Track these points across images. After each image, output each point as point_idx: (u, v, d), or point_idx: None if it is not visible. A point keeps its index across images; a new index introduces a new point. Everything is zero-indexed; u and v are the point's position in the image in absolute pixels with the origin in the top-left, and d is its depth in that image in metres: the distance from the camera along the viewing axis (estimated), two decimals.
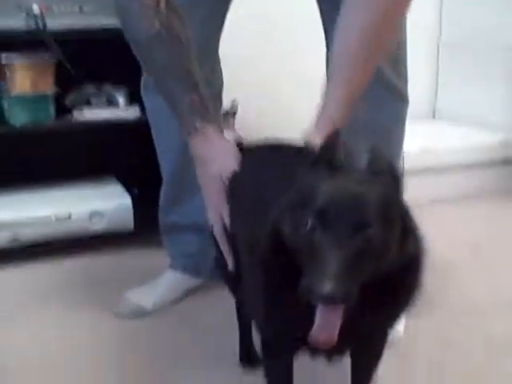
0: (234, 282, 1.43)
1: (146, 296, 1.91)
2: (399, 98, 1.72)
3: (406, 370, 1.63)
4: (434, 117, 3.57)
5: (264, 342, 1.23)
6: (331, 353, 1.16)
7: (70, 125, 2.34)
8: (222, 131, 1.46)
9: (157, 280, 1.97)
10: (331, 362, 1.17)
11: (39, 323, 1.85)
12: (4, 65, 2.16)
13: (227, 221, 1.37)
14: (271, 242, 1.03)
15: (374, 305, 0.99)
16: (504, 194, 3.03)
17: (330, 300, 0.85)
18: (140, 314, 1.88)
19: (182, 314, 1.89)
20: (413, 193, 2.80)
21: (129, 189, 2.43)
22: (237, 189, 1.37)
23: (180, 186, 1.90)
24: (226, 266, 1.40)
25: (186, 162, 1.56)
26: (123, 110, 2.36)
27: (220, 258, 1.43)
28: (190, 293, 1.98)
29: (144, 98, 1.85)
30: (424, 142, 2.93)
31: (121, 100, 2.37)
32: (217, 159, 1.39)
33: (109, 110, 2.38)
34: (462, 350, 1.72)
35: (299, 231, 0.94)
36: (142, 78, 1.81)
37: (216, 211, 1.39)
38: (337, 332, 0.92)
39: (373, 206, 0.93)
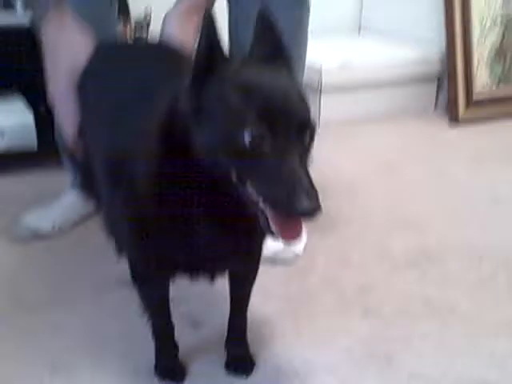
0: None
1: (44, 218, 1.84)
2: (298, 3, 1.66)
3: (302, 286, 1.65)
4: (358, 33, 3.50)
5: (135, 272, 1.20)
6: (212, 275, 1.16)
7: None
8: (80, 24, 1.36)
9: (57, 200, 1.90)
10: (211, 282, 1.18)
11: None
12: None
13: (75, 121, 1.31)
14: (162, 154, 0.96)
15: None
16: (424, 112, 3.03)
17: (313, 214, 0.84)
18: (38, 236, 1.81)
19: (82, 235, 1.84)
20: (333, 110, 2.79)
21: (34, 106, 2.29)
22: (89, 88, 1.30)
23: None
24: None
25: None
26: (21, 16, 2.15)
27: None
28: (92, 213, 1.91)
29: None
30: (345, 58, 2.86)
31: (19, 3, 2.16)
32: (70, 50, 1.31)
33: (4, 14, 2.18)
34: (359, 265, 1.75)
35: (231, 144, 0.87)
36: None
37: (64, 109, 1.33)
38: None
39: (306, 100, 0.91)
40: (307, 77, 2.69)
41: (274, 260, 1.71)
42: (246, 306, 1.33)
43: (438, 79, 3.06)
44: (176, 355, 1.33)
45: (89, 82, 1.31)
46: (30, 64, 2.20)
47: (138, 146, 1.03)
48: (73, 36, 1.32)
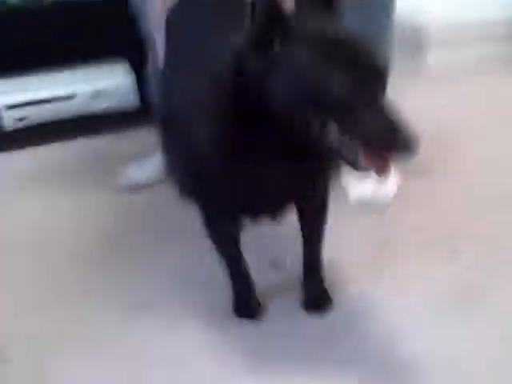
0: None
1: (142, 170, 1.93)
2: None
3: (389, 231, 1.64)
4: None
5: (204, 216, 1.25)
6: (274, 214, 1.19)
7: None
8: None
9: (154, 155, 1.98)
10: (277, 223, 1.22)
11: (44, 199, 1.92)
12: None
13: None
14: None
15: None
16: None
17: (413, 148, 0.90)
18: (137, 187, 1.91)
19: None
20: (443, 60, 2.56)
21: (136, 69, 2.38)
22: (173, 26, 1.34)
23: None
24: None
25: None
26: None
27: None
28: None
29: None
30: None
31: None
32: None
33: None
34: (449, 212, 1.71)
35: (323, 96, 0.92)
36: None
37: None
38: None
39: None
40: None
41: (366, 203, 1.71)
42: (319, 245, 1.35)
43: None
44: (252, 294, 1.38)
45: (174, 20, 1.35)
46: (132, 30, 2.31)
47: (204, 98, 1.05)
48: None
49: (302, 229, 1.33)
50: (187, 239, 1.63)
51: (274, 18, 0.93)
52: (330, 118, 0.93)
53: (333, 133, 0.94)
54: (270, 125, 0.97)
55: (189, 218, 1.68)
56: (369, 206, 1.71)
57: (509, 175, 1.86)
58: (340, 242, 1.56)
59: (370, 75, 0.92)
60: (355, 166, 0.96)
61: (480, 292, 1.38)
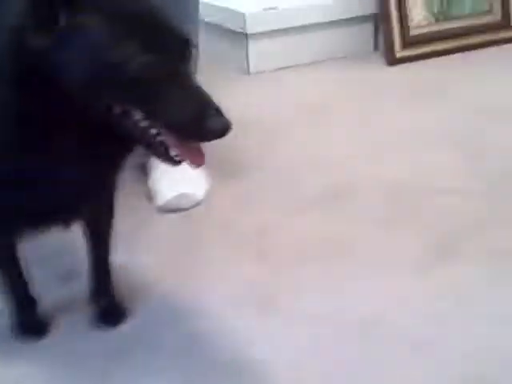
0: None
1: None
2: None
3: (193, 234, 1.55)
4: None
5: None
6: (65, 221, 1.07)
7: None
8: None
9: None
10: (65, 230, 1.10)
11: None
12: None
13: None
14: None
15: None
16: (361, 55, 2.88)
17: (227, 131, 0.83)
18: None
19: None
20: (262, 57, 2.61)
21: None
22: None
23: None
24: None
25: None
26: None
27: None
28: None
29: None
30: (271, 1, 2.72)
31: None
32: None
33: None
34: (260, 210, 1.64)
35: (118, 74, 0.81)
36: None
37: None
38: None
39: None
40: (231, 22, 2.61)
41: (171, 208, 1.61)
42: (106, 252, 1.23)
43: (375, 20, 2.92)
44: (34, 310, 1.23)
45: None
46: None
47: None
48: None
49: (85, 234, 1.21)
50: None
51: None
52: (129, 100, 0.84)
53: (135, 118, 0.85)
54: (64, 112, 0.85)
55: None
56: (176, 209, 1.62)
57: (326, 173, 1.82)
58: (141, 245, 1.46)
59: (172, 50, 0.84)
60: (163, 156, 0.88)
61: (282, 293, 1.32)
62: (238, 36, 2.64)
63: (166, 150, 0.87)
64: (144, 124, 0.85)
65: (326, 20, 2.77)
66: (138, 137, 0.87)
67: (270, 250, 1.47)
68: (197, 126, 0.82)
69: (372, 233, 1.51)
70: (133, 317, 1.27)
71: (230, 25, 2.64)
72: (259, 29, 2.62)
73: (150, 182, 1.68)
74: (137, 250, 1.45)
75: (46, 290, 1.27)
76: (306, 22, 2.72)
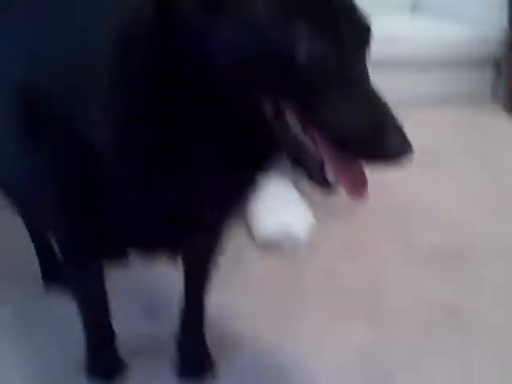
0: None
1: None
2: None
3: (294, 277, 1.37)
4: (410, 11, 3.15)
5: (64, 248, 0.93)
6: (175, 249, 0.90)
7: None
8: None
9: None
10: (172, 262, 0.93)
11: None
12: None
13: None
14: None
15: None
16: (478, 100, 2.66)
17: (405, 156, 0.63)
18: None
19: None
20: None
21: None
22: None
23: None
24: None
25: None
26: None
27: None
28: None
29: None
30: (390, 32, 2.52)
31: None
32: None
33: None
34: (369, 258, 1.44)
35: (279, 60, 0.62)
36: None
37: None
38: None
39: None
40: None
41: (271, 245, 1.43)
42: (202, 291, 1.05)
43: (497, 63, 2.69)
44: (112, 349, 1.06)
45: None
46: None
47: (87, 73, 0.72)
48: None
49: (184, 266, 1.03)
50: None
51: None
52: (287, 95, 0.64)
53: (291, 123, 0.66)
54: (208, 107, 0.67)
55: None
56: (276, 246, 1.44)
57: (440, 227, 1.61)
58: (236, 285, 1.29)
59: (351, 38, 0.65)
60: (315, 175, 0.67)
61: (399, 369, 1.11)
62: None
63: (322, 167, 0.66)
64: (299, 131, 0.66)
65: (442, 60, 2.57)
66: (288, 146, 0.67)
67: (382, 310, 1.26)
68: (371, 140, 0.62)
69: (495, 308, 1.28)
70: (219, 372, 1.08)
71: None
72: (375, 59, 2.43)
73: (250, 214, 1.50)
74: (232, 289, 1.27)
75: (126, 324, 1.10)
76: (421, 59, 2.53)
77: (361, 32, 0.67)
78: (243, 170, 0.75)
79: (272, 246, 1.44)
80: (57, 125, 0.77)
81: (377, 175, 1.78)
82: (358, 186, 0.67)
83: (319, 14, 0.63)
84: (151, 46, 0.67)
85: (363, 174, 0.67)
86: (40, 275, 1.30)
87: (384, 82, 2.39)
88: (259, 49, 0.63)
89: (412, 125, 2.27)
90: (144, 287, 1.27)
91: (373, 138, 0.62)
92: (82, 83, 0.73)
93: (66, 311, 1.09)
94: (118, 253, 0.89)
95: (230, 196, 0.81)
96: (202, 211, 0.78)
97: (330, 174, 0.66)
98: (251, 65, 0.63)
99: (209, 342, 1.09)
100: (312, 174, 0.67)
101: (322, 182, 0.66)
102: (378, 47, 2.31)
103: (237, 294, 1.27)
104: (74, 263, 0.94)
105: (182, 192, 0.75)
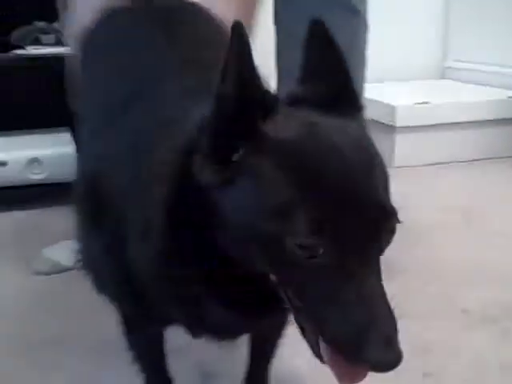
0: None
1: (65, 252, 1.66)
2: (350, 13, 1.45)
3: None
4: (441, 78, 3.22)
5: (123, 318, 0.94)
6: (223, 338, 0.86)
7: (9, 59, 2.07)
8: None
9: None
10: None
11: None
12: None
13: None
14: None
15: None
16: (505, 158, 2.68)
17: (389, 368, 0.58)
18: (57, 270, 1.64)
19: None
20: (409, 151, 2.45)
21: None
22: (88, 57, 1.05)
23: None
24: None
25: None
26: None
27: None
28: None
29: None
30: (424, 96, 2.61)
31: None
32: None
33: (57, 48, 2.13)
34: (420, 320, 1.42)
35: (273, 247, 0.60)
36: None
37: None
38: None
39: (387, 179, 0.65)
40: (379, 113, 2.50)
41: None
42: (270, 357, 1.04)
43: None
44: None
45: (89, 49, 1.07)
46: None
47: (134, 184, 0.76)
48: None
49: (251, 341, 1.03)
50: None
51: (248, 104, 0.62)
52: (280, 278, 0.63)
53: (289, 295, 0.64)
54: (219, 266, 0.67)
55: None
56: None
57: (485, 287, 1.57)
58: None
59: (357, 227, 0.59)
60: (311, 346, 0.65)
61: None
62: (385, 128, 2.52)
63: (317, 343, 0.64)
64: (297, 305, 0.64)
65: (480, 118, 2.61)
66: (291, 312, 0.66)
67: (437, 371, 1.24)
68: (351, 348, 0.59)
69: None
70: None
71: (379, 117, 2.52)
72: (409, 123, 2.49)
73: None
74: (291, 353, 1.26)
75: None
76: (459, 119, 2.57)
77: (373, 222, 0.60)
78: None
79: None
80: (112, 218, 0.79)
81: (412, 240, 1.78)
82: (345, 374, 0.63)
83: (322, 205, 0.58)
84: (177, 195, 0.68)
85: (354, 370, 0.62)
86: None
87: (422, 143, 2.47)
88: (249, 227, 0.62)
89: (451, 182, 2.30)
90: (204, 353, 1.27)
91: (350, 346, 0.59)
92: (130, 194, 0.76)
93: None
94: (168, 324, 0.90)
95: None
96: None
97: (324, 354, 0.63)
98: (246, 239, 0.63)
99: None
100: (310, 343, 0.65)
101: (317, 354, 0.65)
102: (414, 111, 2.42)
103: (294, 357, 1.26)
104: (133, 329, 0.95)
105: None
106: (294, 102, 0.68)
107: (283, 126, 0.63)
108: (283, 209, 0.59)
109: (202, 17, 1.07)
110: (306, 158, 0.60)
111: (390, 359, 0.57)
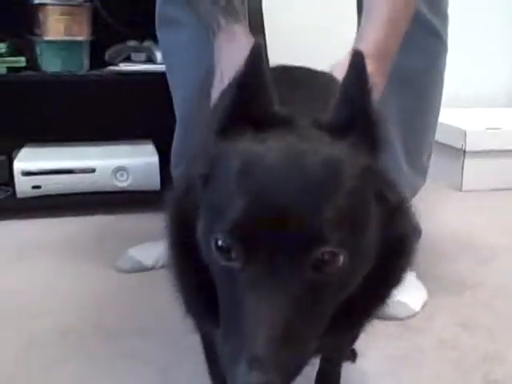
0: None
1: (147, 253, 1.79)
2: (433, 36, 1.51)
3: (412, 347, 1.42)
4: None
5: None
6: None
7: (103, 75, 2.24)
8: (249, 32, 1.24)
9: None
10: None
11: (44, 273, 1.78)
12: (36, 5, 2.08)
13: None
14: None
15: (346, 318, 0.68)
16: None
17: None
18: (139, 269, 1.76)
19: None
20: (478, 176, 2.49)
21: (161, 149, 2.30)
22: None
23: (194, 129, 1.57)
24: None
25: (202, 100, 1.29)
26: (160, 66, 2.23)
27: None
28: None
29: (158, 34, 1.70)
30: (495, 123, 2.64)
31: (159, 57, 2.25)
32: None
33: (146, 65, 2.29)
34: (486, 333, 1.48)
35: (209, 249, 0.63)
36: (156, 14, 1.67)
37: None
38: None
39: (333, 200, 0.59)
40: (450, 137, 2.55)
41: (385, 316, 1.50)
42: (340, 362, 1.09)
43: None
44: None
45: None
46: (161, 111, 2.21)
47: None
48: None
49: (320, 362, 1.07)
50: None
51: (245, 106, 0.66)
52: (216, 279, 0.66)
53: None
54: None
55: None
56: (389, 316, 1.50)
57: None
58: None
59: (271, 241, 0.58)
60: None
61: None
62: (455, 152, 2.56)
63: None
64: None
65: None
66: None
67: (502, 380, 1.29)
68: (223, 363, 0.60)
69: None
70: None
71: (449, 140, 2.57)
72: (479, 147, 2.53)
73: None
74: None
75: None
76: None
77: (294, 240, 0.58)
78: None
79: (386, 318, 1.50)
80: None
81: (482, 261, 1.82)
82: None
83: (241, 215, 0.59)
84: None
85: None
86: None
87: (491, 168, 2.50)
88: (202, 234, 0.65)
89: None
90: None
91: (224, 360, 0.60)
92: None
93: None
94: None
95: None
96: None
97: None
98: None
99: None
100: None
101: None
102: (484, 136, 2.46)
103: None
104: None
105: None
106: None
107: (253, 140, 0.64)
108: (218, 208, 0.62)
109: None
110: (244, 169, 0.61)
111: (249, 381, 0.55)
